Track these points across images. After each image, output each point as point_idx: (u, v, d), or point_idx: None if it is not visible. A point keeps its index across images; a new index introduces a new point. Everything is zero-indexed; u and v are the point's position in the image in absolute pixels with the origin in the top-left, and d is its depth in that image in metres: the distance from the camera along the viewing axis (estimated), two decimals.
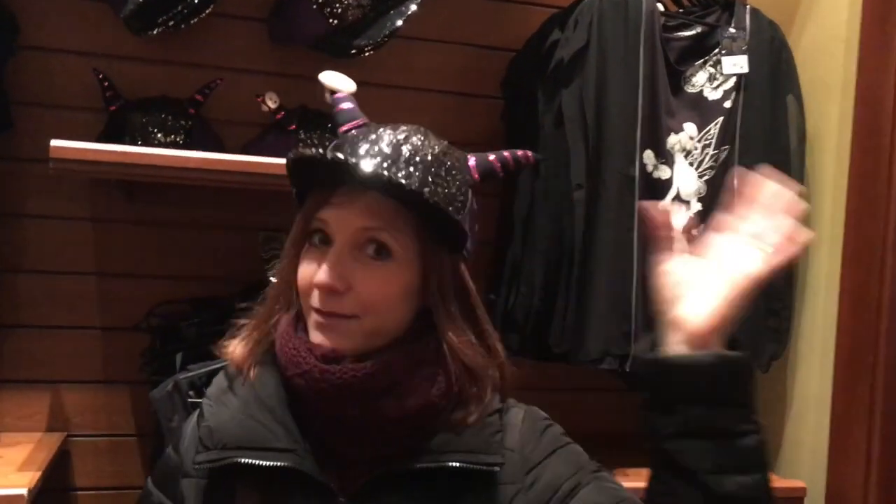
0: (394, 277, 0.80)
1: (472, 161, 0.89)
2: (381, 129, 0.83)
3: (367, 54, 1.57)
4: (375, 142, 0.81)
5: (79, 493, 1.59)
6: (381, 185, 0.78)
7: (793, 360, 1.70)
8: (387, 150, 0.80)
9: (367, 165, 0.78)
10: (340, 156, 0.78)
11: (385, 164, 0.79)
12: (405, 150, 0.80)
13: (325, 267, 0.78)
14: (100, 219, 1.58)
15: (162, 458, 0.92)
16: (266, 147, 1.50)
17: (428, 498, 0.80)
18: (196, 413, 0.90)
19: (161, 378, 1.32)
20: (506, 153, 0.93)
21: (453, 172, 0.83)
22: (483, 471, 0.80)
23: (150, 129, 1.47)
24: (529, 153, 0.96)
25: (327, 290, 0.78)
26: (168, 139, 1.48)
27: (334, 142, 0.86)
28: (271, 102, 1.54)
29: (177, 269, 1.61)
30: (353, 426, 0.80)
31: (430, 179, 0.80)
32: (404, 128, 0.84)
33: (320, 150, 0.79)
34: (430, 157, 0.81)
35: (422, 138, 0.83)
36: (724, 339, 0.75)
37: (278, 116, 1.54)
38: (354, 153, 0.80)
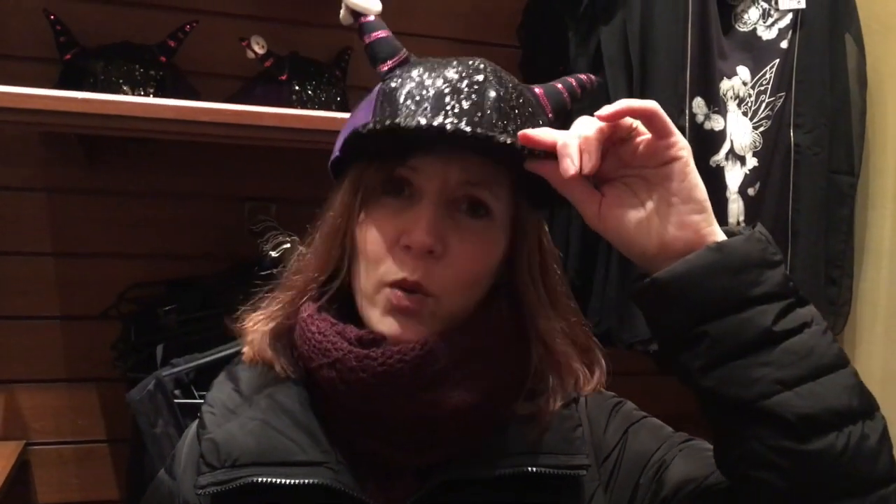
0: (492, 240, 0.68)
1: (539, 93, 0.73)
2: (456, 72, 0.66)
3: None
4: (459, 93, 0.64)
5: None
6: (488, 149, 0.63)
7: (850, 334, 1.53)
8: (474, 104, 0.64)
9: (467, 126, 0.63)
10: (464, 127, 0.62)
11: (488, 122, 0.64)
12: (492, 99, 0.65)
13: (422, 224, 0.64)
14: (57, 188, 1.42)
15: (153, 483, 0.76)
16: (255, 100, 1.30)
17: None
18: (194, 426, 0.74)
19: (140, 375, 1.16)
20: (570, 79, 0.77)
21: (536, 118, 0.69)
22: (568, 475, 0.66)
23: (114, 80, 1.27)
24: (592, 76, 0.80)
25: (423, 252, 0.64)
26: (136, 92, 1.28)
27: (406, 93, 0.67)
28: (258, 47, 1.33)
29: (149, 246, 1.45)
30: (396, 426, 0.66)
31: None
32: (473, 63, 0.67)
33: (420, 122, 0.62)
34: (519, 106, 0.67)
35: (498, 76, 0.68)
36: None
37: (266, 64, 1.33)
38: (450, 111, 0.64)
